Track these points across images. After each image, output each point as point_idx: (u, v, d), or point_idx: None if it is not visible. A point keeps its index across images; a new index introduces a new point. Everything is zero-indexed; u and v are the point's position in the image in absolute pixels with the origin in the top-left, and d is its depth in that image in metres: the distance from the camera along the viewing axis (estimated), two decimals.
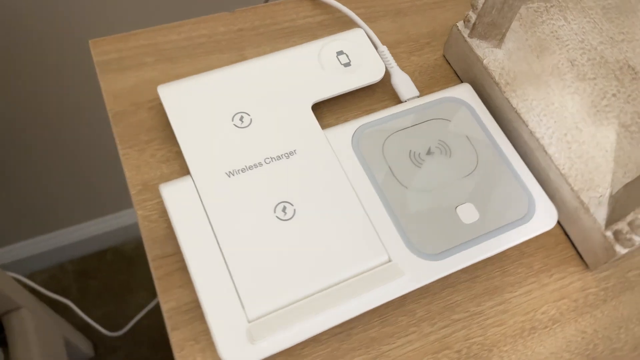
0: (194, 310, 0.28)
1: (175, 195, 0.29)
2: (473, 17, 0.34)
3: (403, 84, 0.35)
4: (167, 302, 0.28)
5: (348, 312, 0.27)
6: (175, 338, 0.27)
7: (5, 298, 0.63)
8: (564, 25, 0.36)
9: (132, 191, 0.31)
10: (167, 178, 0.31)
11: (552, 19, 0.36)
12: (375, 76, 0.35)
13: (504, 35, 0.33)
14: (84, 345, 0.96)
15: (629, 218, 0.27)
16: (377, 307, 0.29)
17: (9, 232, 0.96)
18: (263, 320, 0.26)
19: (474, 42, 0.34)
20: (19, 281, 0.74)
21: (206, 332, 0.27)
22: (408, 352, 0.28)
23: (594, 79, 0.34)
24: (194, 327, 0.28)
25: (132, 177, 0.31)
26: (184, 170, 0.32)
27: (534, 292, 0.30)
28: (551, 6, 0.36)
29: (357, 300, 0.27)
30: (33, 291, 0.78)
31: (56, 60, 0.68)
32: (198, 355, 0.27)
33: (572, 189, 0.30)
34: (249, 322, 0.26)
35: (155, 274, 0.29)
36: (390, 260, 0.28)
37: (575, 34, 0.35)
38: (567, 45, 0.35)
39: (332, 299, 0.27)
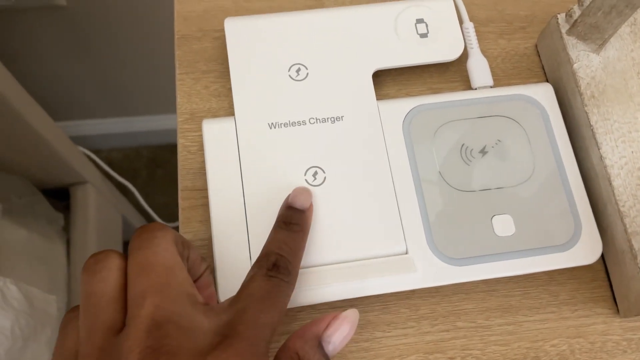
0: (207, 247, 0.29)
1: (215, 134, 0.29)
2: (577, 12, 0.30)
3: (478, 69, 0.32)
4: (185, 233, 0.29)
5: (350, 292, 0.27)
6: None
7: (75, 172, 0.68)
8: None
9: (179, 118, 0.31)
10: (215, 114, 0.31)
11: None
12: (451, 54, 0.32)
13: (605, 41, 0.30)
14: None
15: None
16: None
17: (96, 107, 1.03)
18: None
19: (571, 41, 0.31)
20: (90, 159, 0.80)
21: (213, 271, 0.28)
22: (400, 344, 0.28)
23: None
24: None
25: (182, 104, 0.31)
26: (233, 110, 0.31)
27: (549, 322, 0.29)
28: None
29: (361, 284, 0.27)
30: (102, 170, 0.84)
31: None
32: None
33: (625, 230, 0.27)
34: None
35: (181, 204, 0.30)
36: (406, 253, 0.28)
37: None
38: None
39: (338, 275, 0.27)
